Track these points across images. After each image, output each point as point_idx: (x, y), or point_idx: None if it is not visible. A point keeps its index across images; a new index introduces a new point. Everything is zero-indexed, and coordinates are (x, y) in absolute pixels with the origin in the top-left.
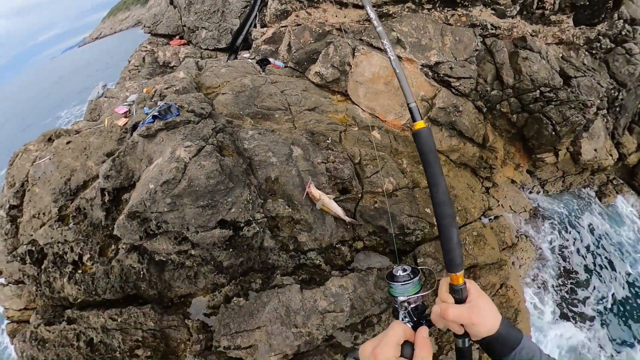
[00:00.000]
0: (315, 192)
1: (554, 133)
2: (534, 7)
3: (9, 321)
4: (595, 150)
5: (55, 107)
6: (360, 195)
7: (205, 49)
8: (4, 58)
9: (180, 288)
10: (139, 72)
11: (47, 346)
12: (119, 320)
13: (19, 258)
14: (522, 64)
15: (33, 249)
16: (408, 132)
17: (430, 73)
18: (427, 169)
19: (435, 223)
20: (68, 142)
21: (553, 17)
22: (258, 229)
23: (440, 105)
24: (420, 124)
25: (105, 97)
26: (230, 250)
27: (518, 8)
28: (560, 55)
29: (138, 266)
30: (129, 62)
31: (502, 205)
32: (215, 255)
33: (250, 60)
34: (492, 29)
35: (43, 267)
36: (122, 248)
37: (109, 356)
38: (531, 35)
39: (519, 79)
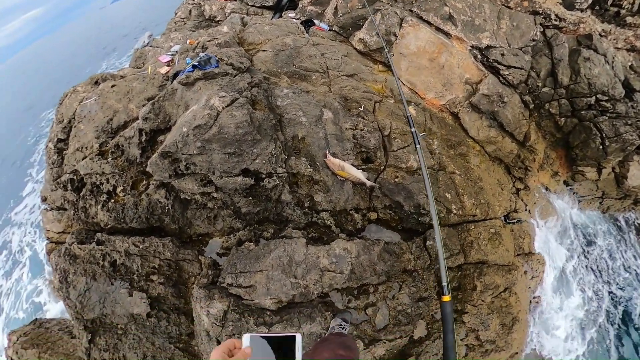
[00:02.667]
0: (335, 161)
1: (601, 147)
2: (609, 3)
3: (48, 241)
4: None
5: (104, 55)
6: (382, 167)
7: (252, 6)
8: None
9: (200, 227)
10: (184, 24)
11: (77, 261)
12: (140, 247)
13: (62, 185)
14: (582, 64)
15: (74, 177)
16: (446, 113)
17: (479, 56)
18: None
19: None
20: (113, 86)
21: (629, 19)
22: (278, 182)
23: (485, 92)
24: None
25: (150, 46)
26: (250, 198)
27: (590, 1)
28: (630, 63)
29: (164, 201)
30: (176, 14)
31: (529, 211)
32: (235, 201)
33: (295, 20)
34: (555, 20)
35: (81, 194)
36: (152, 184)
37: (128, 277)
38: (600, 34)
39: (575, 80)
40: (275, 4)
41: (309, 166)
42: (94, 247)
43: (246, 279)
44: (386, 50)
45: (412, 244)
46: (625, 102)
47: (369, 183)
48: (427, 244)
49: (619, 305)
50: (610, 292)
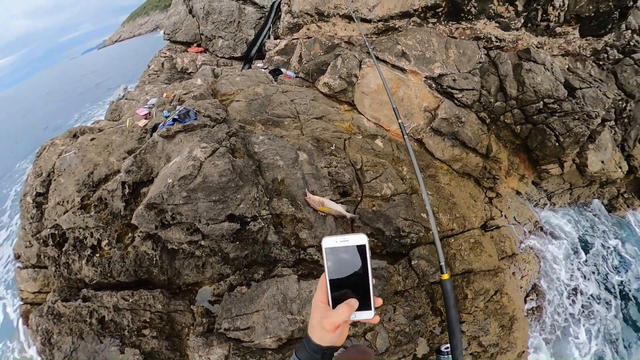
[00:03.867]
0: (315, 198)
1: (557, 144)
2: (539, 19)
3: (22, 302)
4: (603, 162)
5: (75, 106)
6: (359, 199)
7: (222, 57)
8: (28, 57)
9: (189, 276)
10: (158, 76)
11: (62, 320)
12: (130, 301)
13: (42, 240)
14: (526, 75)
15: (56, 232)
16: (411, 142)
17: (433, 85)
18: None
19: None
20: (92, 139)
21: (558, 29)
22: (263, 224)
23: (443, 116)
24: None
25: (125, 99)
26: (237, 242)
27: (522, 20)
28: (567, 66)
29: (152, 253)
30: (149, 66)
31: (505, 215)
32: (222, 247)
33: (263, 70)
34: (496, 42)
35: (64, 249)
36: (139, 236)
37: (118, 334)
38: (537, 47)
39: (522, 90)
40: (243, 55)
41: (290, 206)
42: (79, 304)
43: (243, 321)
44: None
45: (399, 266)
46: (570, 100)
47: (349, 215)
48: (412, 263)
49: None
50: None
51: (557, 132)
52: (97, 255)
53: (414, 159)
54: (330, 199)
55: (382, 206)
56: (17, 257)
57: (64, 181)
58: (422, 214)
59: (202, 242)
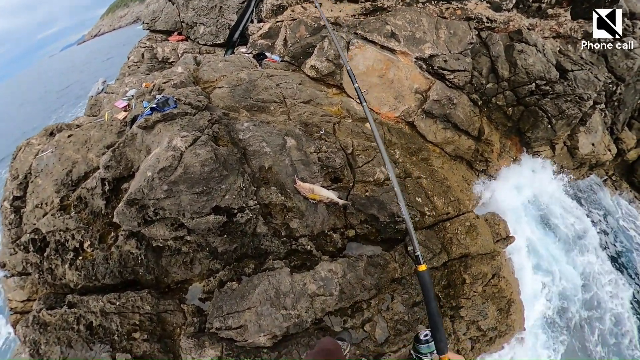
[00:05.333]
0: (305, 185)
1: (549, 126)
2: (530, 0)
3: (12, 312)
4: (593, 144)
5: (54, 103)
6: (352, 184)
7: (204, 45)
8: (5, 57)
9: (177, 274)
10: (138, 67)
11: (48, 329)
12: (117, 304)
13: (22, 247)
14: (518, 57)
15: (36, 237)
16: (402, 124)
17: (424, 66)
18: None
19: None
20: (69, 136)
21: (550, 11)
22: (251, 215)
23: (435, 98)
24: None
25: (105, 92)
26: (225, 236)
27: (514, 1)
28: (558, 48)
29: (136, 252)
30: (128, 58)
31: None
32: (210, 242)
33: (247, 55)
34: (487, 22)
35: (45, 254)
36: (121, 235)
37: (108, 339)
38: (528, 28)
39: (514, 72)
40: (226, 41)
41: (279, 194)
42: (65, 311)
43: (235, 319)
44: (345, 60)
45: (395, 252)
46: (562, 82)
47: (341, 202)
48: (408, 249)
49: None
50: None
51: (549, 114)
52: (80, 258)
53: (374, 129)
54: (322, 186)
55: (375, 191)
56: (3, 265)
57: (41, 182)
58: (416, 198)
59: (188, 238)
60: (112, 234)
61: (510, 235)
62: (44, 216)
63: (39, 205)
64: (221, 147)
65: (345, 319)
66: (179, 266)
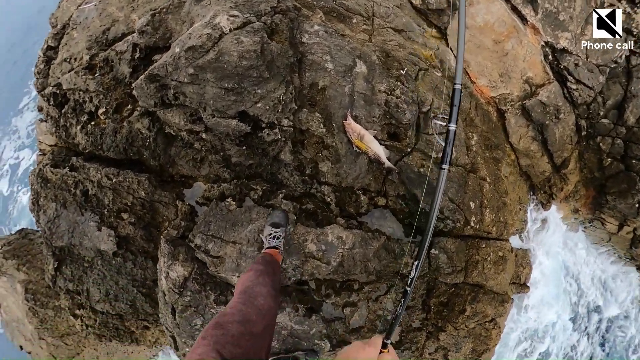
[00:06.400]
0: (356, 127)
1: (637, 205)
2: None
3: (40, 153)
4: None
5: None
6: (409, 150)
7: None
8: None
9: (184, 168)
10: None
11: (48, 186)
12: (113, 180)
13: (45, 98)
14: None
15: (57, 92)
16: (492, 108)
17: (550, 57)
18: None
19: None
20: None
21: None
22: (280, 136)
23: (543, 100)
24: None
25: None
26: (243, 148)
27: None
28: None
29: (146, 133)
30: None
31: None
32: (226, 147)
33: None
34: None
35: (63, 111)
36: (137, 110)
37: (99, 210)
38: None
39: None
40: None
41: (322, 125)
42: (66, 172)
43: (216, 247)
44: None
45: (415, 246)
46: None
47: (388, 164)
48: (431, 250)
49: None
50: None
51: None
52: (92, 123)
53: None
54: (375, 136)
55: (432, 172)
56: (40, 109)
57: (76, 35)
58: (470, 202)
59: (204, 135)
60: (129, 106)
61: (528, 284)
62: (69, 72)
63: (68, 60)
64: (273, 44)
65: (329, 293)
66: (187, 160)
